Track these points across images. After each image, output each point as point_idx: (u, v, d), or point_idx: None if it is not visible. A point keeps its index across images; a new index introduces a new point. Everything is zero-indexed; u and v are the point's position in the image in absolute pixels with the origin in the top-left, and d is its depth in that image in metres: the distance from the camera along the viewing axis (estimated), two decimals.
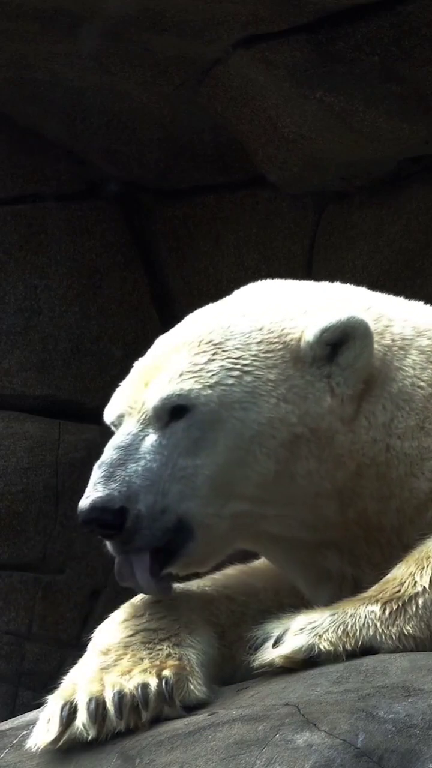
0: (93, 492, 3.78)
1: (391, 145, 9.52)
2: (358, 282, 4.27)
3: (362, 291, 4.14)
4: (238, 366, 3.87)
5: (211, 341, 3.92)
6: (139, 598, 3.93)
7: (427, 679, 3.48)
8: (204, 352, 3.90)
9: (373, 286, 4.27)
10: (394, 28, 8.92)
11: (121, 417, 3.93)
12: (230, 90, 9.46)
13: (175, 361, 3.90)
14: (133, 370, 4.02)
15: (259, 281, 4.19)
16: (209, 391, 3.84)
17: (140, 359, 4.04)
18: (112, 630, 3.85)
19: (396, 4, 8.88)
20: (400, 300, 4.18)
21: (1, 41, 9.34)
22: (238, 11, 8.86)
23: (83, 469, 9.91)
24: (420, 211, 9.94)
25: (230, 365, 3.87)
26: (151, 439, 3.84)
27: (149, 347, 4.08)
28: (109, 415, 3.99)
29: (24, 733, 3.77)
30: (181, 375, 3.87)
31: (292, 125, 9.51)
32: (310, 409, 3.85)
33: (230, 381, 3.85)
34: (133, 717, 3.62)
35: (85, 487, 3.82)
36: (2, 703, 9.81)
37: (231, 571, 4.14)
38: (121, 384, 4.02)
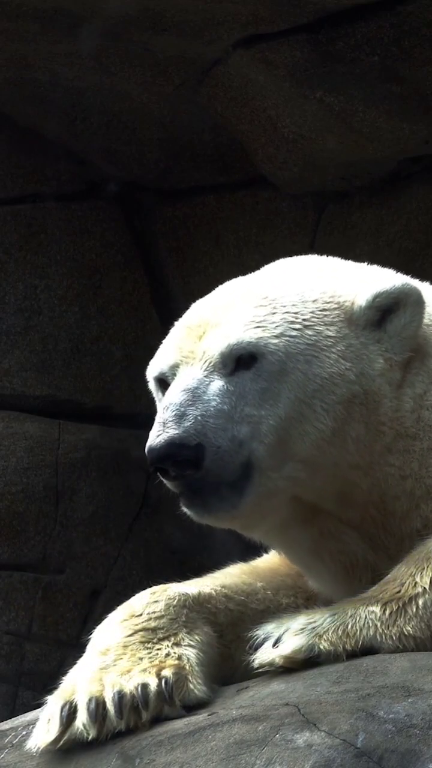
0: (166, 430, 3.75)
1: (391, 145, 9.51)
2: None
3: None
4: (299, 320, 3.89)
5: (267, 296, 3.93)
6: (138, 597, 3.92)
7: (427, 679, 3.48)
8: (263, 305, 3.91)
9: None
10: (394, 28, 8.92)
11: (175, 367, 3.91)
12: (230, 90, 9.46)
13: (235, 313, 3.90)
14: (175, 330, 4.00)
15: (289, 257, 4.18)
16: (276, 341, 3.86)
17: (180, 320, 4.02)
18: (111, 630, 3.84)
19: (396, 4, 8.88)
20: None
21: (1, 41, 9.33)
22: (238, 11, 8.86)
23: (83, 469, 9.90)
24: (420, 211, 9.93)
25: (291, 318, 3.89)
26: (218, 384, 3.84)
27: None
28: (159, 366, 3.96)
29: (24, 733, 3.77)
30: (245, 324, 3.87)
31: (292, 125, 9.50)
32: (365, 369, 3.90)
33: (293, 333, 3.87)
34: (133, 717, 3.62)
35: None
36: (2, 703, 9.80)
37: (230, 570, 4.14)
38: (163, 342, 3.99)
